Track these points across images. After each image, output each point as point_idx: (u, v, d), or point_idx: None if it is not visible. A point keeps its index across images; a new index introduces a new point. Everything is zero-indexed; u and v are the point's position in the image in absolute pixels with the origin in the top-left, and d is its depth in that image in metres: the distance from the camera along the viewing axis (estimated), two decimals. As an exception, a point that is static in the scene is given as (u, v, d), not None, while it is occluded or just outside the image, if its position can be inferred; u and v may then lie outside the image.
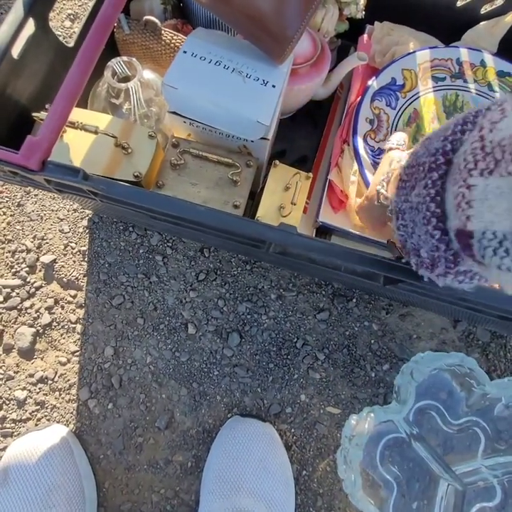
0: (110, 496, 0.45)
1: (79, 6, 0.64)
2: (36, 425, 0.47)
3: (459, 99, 0.47)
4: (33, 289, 0.51)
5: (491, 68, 0.48)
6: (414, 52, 0.47)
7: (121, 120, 0.38)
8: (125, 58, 0.39)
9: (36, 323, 0.50)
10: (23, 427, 0.47)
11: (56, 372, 0.49)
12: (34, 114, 0.35)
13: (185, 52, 0.36)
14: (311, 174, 0.40)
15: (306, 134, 0.54)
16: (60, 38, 0.40)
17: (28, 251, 0.52)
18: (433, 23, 0.50)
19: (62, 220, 0.54)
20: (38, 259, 0.52)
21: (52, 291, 0.51)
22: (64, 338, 0.50)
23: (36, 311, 0.50)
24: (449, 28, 0.49)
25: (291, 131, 0.53)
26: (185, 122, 0.38)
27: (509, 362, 0.50)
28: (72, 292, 0.51)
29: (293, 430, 0.48)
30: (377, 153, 0.44)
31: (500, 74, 0.48)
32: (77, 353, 0.49)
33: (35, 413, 0.47)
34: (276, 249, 0.30)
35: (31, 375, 0.48)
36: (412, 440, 0.44)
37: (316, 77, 0.44)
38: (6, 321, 0.50)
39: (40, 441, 0.42)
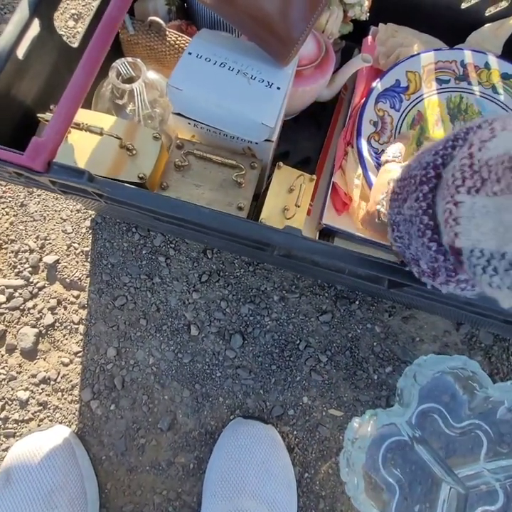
0: (112, 497, 0.45)
1: (82, 5, 0.64)
2: (39, 426, 0.47)
3: (463, 101, 0.47)
4: (35, 290, 0.51)
5: (496, 70, 0.48)
6: (418, 54, 0.47)
7: (125, 121, 0.38)
8: (130, 59, 0.39)
9: (39, 323, 0.50)
10: (26, 427, 0.47)
11: (59, 373, 0.49)
12: (39, 114, 0.35)
13: (190, 53, 0.35)
14: (315, 176, 0.40)
15: (310, 136, 0.54)
16: (64, 38, 0.40)
17: (31, 251, 0.52)
18: (437, 25, 0.50)
19: (65, 220, 0.53)
20: (40, 259, 0.52)
21: (55, 292, 0.51)
22: (66, 339, 0.50)
23: (39, 312, 0.50)
24: (454, 30, 0.49)
25: (294, 133, 0.53)
26: (189, 124, 0.38)
27: (512, 365, 0.50)
28: (75, 293, 0.51)
29: (295, 432, 0.48)
30: (381, 156, 0.44)
31: (505, 76, 0.47)
32: (80, 354, 0.49)
33: (38, 414, 0.47)
34: (280, 251, 0.30)
35: (34, 376, 0.48)
36: (415, 443, 0.44)
37: (320, 79, 0.44)
38: (9, 321, 0.50)
39: (42, 442, 0.42)
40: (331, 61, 0.44)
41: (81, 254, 0.52)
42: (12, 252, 0.52)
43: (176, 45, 0.43)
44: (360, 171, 0.43)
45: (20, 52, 0.34)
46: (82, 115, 0.37)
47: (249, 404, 0.48)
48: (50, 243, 0.53)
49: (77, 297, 0.51)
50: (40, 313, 0.50)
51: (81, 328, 0.50)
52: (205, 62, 0.35)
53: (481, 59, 0.48)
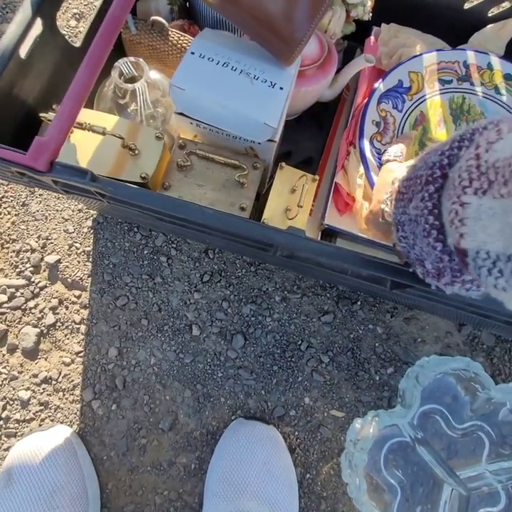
0: (113, 497, 0.45)
1: (84, 5, 0.64)
2: (40, 426, 0.47)
3: (465, 102, 0.47)
4: (37, 289, 0.51)
5: (498, 71, 0.48)
6: (421, 54, 0.47)
7: (127, 121, 0.38)
8: (132, 59, 0.39)
9: (40, 323, 0.50)
10: (27, 427, 0.47)
11: (60, 373, 0.48)
12: (42, 114, 0.35)
13: (192, 53, 0.35)
14: (317, 177, 0.40)
15: (312, 136, 0.54)
16: (66, 38, 0.39)
17: (33, 251, 0.52)
18: (440, 26, 0.50)
19: (66, 220, 0.53)
20: (42, 259, 0.52)
21: (57, 292, 0.51)
22: (68, 339, 0.50)
23: (40, 311, 0.50)
24: (456, 31, 0.49)
25: (296, 133, 0.53)
26: (192, 123, 0.38)
27: (514, 366, 0.50)
28: (77, 292, 0.51)
29: (297, 433, 0.47)
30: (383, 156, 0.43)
31: (507, 77, 0.47)
32: (81, 354, 0.49)
33: (39, 413, 0.47)
34: (283, 252, 0.30)
35: (35, 376, 0.48)
36: (416, 444, 0.43)
37: (323, 79, 0.44)
38: (10, 320, 0.50)
39: (43, 442, 0.42)
40: (334, 61, 0.44)
41: (82, 253, 0.52)
42: (14, 251, 0.52)
43: (179, 45, 0.43)
44: (362, 170, 0.43)
45: (23, 52, 0.34)
46: (85, 115, 0.37)
47: (251, 404, 0.48)
48: (51, 243, 0.53)
49: (78, 297, 0.51)
50: (42, 313, 0.50)
51: (82, 328, 0.50)
52: (207, 62, 0.35)
53: (484, 60, 0.47)
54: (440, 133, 0.45)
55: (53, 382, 0.48)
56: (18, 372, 0.48)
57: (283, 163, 0.39)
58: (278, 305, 0.51)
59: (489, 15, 0.48)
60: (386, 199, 0.30)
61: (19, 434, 0.47)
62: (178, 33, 0.43)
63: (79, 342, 0.50)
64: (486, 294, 0.26)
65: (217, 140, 0.39)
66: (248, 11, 0.32)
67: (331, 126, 0.52)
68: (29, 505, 0.39)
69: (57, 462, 0.41)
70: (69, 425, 0.47)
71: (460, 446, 0.44)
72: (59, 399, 0.48)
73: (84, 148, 0.36)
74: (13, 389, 0.48)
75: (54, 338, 0.50)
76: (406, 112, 0.46)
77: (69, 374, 0.49)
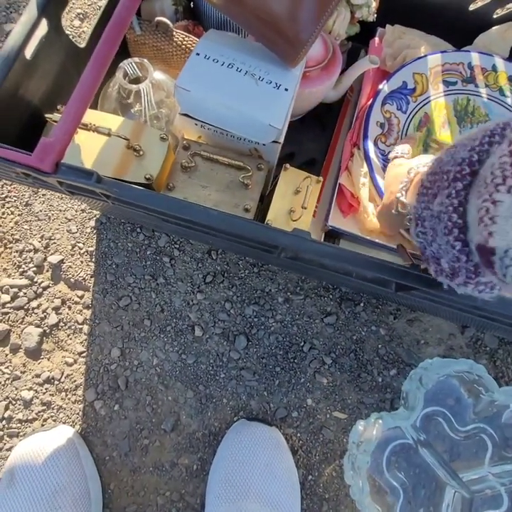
0: (115, 498, 0.45)
1: (88, 5, 0.64)
2: (42, 426, 0.47)
3: (470, 103, 0.47)
4: (40, 289, 0.51)
5: (503, 73, 0.48)
6: (425, 56, 0.47)
7: (132, 122, 0.38)
8: (137, 59, 0.39)
9: (43, 323, 0.50)
10: (29, 427, 0.47)
11: (62, 373, 0.48)
12: (47, 115, 0.35)
13: (198, 54, 0.35)
14: (321, 178, 0.40)
15: (315, 137, 0.54)
16: (70, 38, 0.39)
17: (36, 251, 0.52)
18: (444, 27, 0.50)
19: (70, 220, 0.53)
20: (45, 259, 0.52)
21: (60, 292, 0.51)
22: (71, 339, 0.50)
23: (43, 311, 0.50)
24: (461, 32, 0.49)
25: (299, 134, 0.53)
26: (196, 124, 0.38)
27: (517, 368, 0.50)
28: (80, 293, 0.51)
29: (299, 435, 0.47)
30: (387, 157, 0.43)
31: (512, 79, 0.47)
32: (84, 354, 0.49)
33: (42, 413, 0.47)
34: (288, 254, 0.30)
35: (38, 376, 0.48)
36: (419, 446, 0.43)
37: (327, 81, 0.44)
38: (13, 320, 0.50)
39: (46, 442, 0.42)
40: (338, 63, 0.44)
41: (85, 254, 0.52)
42: (17, 251, 0.52)
43: (183, 46, 0.43)
44: (365, 169, 0.43)
45: (28, 52, 0.34)
46: (89, 115, 0.37)
47: (253, 405, 0.48)
48: (54, 243, 0.53)
49: (81, 297, 0.51)
50: (45, 313, 0.50)
51: (85, 328, 0.50)
52: (212, 63, 0.35)
53: (489, 61, 0.47)
54: (444, 134, 0.45)
55: (56, 382, 0.48)
56: (21, 372, 0.48)
57: (287, 165, 0.39)
58: (281, 306, 0.51)
59: (494, 16, 0.48)
60: (401, 189, 0.29)
61: (22, 434, 0.47)
62: (182, 34, 0.43)
63: (81, 342, 0.50)
64: (499, 297, 0.26)
65: (221, 141, 0.39)
66: (253, 11, 0.32)
67: (334, 127, 0.52)
68: (31, 506, 0.39)
69: (60, 462, 0.41)
70: (71, 425, 0.47)
71: (463, 449, 0.44)
72: (61, 399, 0.48)
73: (88, 148, 0.36)
74: (16, 389, 0.48)
75: (57, 338, 0.50)
76: (410, 114, 0.46)
77: (71, 374, 0.49)
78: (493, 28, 0.49)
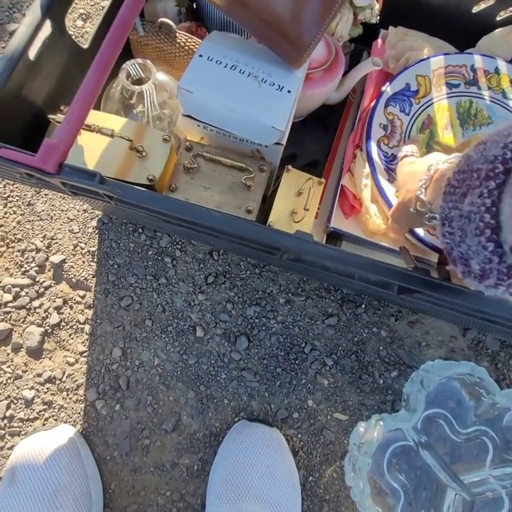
0: (116, 497, 0.45)
1: (91, 5, 0.64)
2: (44, 425, 0.47)
3: (472, 106, 0.47)
4: (42, 289, 0.51)
5: (506, 75, 0.47)
6: (428, 58, 0.47)
7: (134, 123, 0.38)
8: (140, 60, 0.39)
9: (45, 322, 0.50)
10: (31, 426, 0.47)
11: (64, 373, 0.49)
12: (50, 116, 0.35)
13: (201, 55, 0.35)
14: (323, 180, 0.40)
15: (317, 138, 0.54)
16: (73, 38, 0.40)
17: (38, 250, 0.52)
18: (448, 29, 0.50)
19: (72, 220, 0.54)
20: (47, 258, 0.52)
21: (61, 291, 0.51)
22: (72, 339, 0.50)
23: (45, 311, 0.50)
24: (464, 34, 0.49)
25: (301, 135, 0.53)
26: (199, 126, 0.38)
27: (518, 371, 0.50)
28: (81, 292, 0.51)
29: (300, 436, 0.47)
30: (390, 159, 0.43)
31: (515, 81, 0.47)
32: (85, 354, 0.49)
33: (43, 413, 0.47)
34: (290, 256, 0.30)
35: (39, 375, 0.48)
36: (420, 448, 0.43)
37: (330, 82, 0.44)
38: (15, 320, 0.50)
39: (47, 441, 0.43)
40: (341, 64, 0.44)
41: (87, 254, 0.52)
42: (19, 251, 0.52)
43: (186, 47, 0.43)
44: (367, 170, 0.43)
45: (32, 53, 0.34)
46: (92, 116, 0.37)
47: (254, 406, 0.48)
48: (56, 243, 0.53)
49: (83, 297, 0.51)
50: (46, 313, 0.50)
51: (87, 327, 0.50)
52: (215, 64, 0.35)
53: (491, 64, 0.47)
54: (447, 137, 0.45)
55: (57, 381, 0.48)
56: (23, 372, 0.49)
57: (289, 166, 0.39)
58: (282, 307, 0.51)
59: (498, 19, 0.48)
60: (421, 186, 0.28)
61: (23, 433, 0.47)
62: (185, 35, 0.43)
63: (83, 342, 0.50)
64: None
65: (224, 142, 0.39)
66: (256, 13, 0.32)
67: (336, 129, 0.52)
68: (32, 504, 0.39)
69: (61, 462, 0.42)
70: (72, 425, 0.47)
71: (464, 451, 0.44)
72: (63, 398, 0.48)
73: (91, 149, 0.36)
74: (18, 388, 0.48)
75: (58, 338, 0.50)
76: (413, 116, 0.45)
77: (73, 374, 0.49)
78: (496, 30, 0.48)
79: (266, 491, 0.40)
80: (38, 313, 0.50)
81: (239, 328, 0.50)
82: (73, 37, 0.39)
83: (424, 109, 0.46)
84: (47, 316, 0.50)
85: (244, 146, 0.38)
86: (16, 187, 0.55)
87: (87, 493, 0.42)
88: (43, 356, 0.49)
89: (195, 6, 0.49)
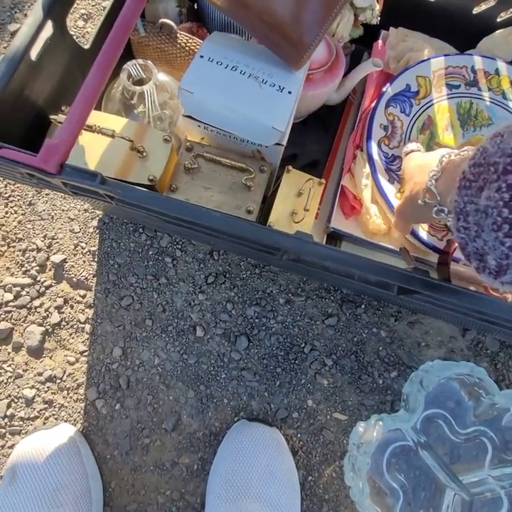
0: (116, 496, 0.45)
1: (92, 5, 0.64)
2: (44, 424, 0.47)
3: (473, 107, 0.47)
4: (42, 288, 0.51)
5: (506, 77, 0.48)
6: (428, 59, 0.47)
7: (135, 123, 0.38)
8: (141, 61, 0.40)
9: (45, 322, 0.50)
10: (31, 425, 0.47)
11: (64, 372, 0.49)
12: (52, 116, 0.35)
13: (201, 56, 0.36)
14: (323, 180, 0.40)
15: (317, 139, 0.54)
16: (74, 39, 0.40)
17: (39, 250, 0.52)
18: (448, 30, 0.50)
19: (72, 219, 0.54)
20: (48, 258, 0.52)
21: (62, 291, 0.51)
22: (73, 338, 0.50)
23: (46, 310, 0.51)
24: (464, 35, 0.49)
25: (302, 136, 0.53)
26: (199, 126, 0.38)
27: (518, 372, 0.50)
28: (82, 292, 0.51)
29: (299, 435, 0.48)
30: (391, 160, 0.44)
31: (515, 82, 0.47)
32: (86, 353, 0.49)
33: (43, 412, 0.48)
34: (290, 256, 0.30)
35: (40, 374, 0.49)
36: (419, 448, 0.43)
37: (330, 83, 0.44)
38: (16, 319, 0.50)
39: (48, 440, 0.43)
40: (341, 65, 0.44)
41: (88, 253, 0.53)
42: (20, 250, 0.52)
43: (187, 48, 0.43)
44: (367, 170, 0.43)
45: (34, 54, 0.34)
46: (93, 117, 0.37)
47: (254, 406, 0.48)
48: (57, 242, 0.53)
49: (83, 296, 0.51)
50: (47, 312, 0.51)
51: (87, 327, 0.50)
52: (216, 65, 0.35)
53: (492, 65, 0.47)
54: (447, 138, 0.45)
55: (58, 380, 0.49)
56: (23, 371, 0.49)
57: (290, 167, 0.39)
58: (282, 307, 0.51)
59: (498, 20, 0.48)
60: (432, 177, 0.28)
61: (23, 431, 0.47)
62: (186, 36, 0.43)
63: (83, 341, 0.50)
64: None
65: (224, 143, 0.39)
66: (257, 14, 0.33)
67: (337, 130, 0.52)
68: (33, 503, 0.39)
69: (61, 460, 0.42)
70: (73, 424, 0.47)
71: (463, 451, 0.44)
72: (63, 397, 0.48)
73: (92, 149, 0.36)
74: (18, 387, 0.48)
75: (59, 337, 0.50)
76: (414, 116, 0.46)
77: (73, 373, 0.49)
78: (497, 31, 0.49)
79: (265, 491, 0.41)
80: (38, 312, 0.50)
81: (239, 328, 0.51)
82: (74, 37, 0.40)
83: (424, 110, 0.46)
84: (47, 315, 0.50)
85: (245, 146, 0.38)
86: (17, 187, 0.55)
87: (87, 492, 0.42)
88: (44, 355, 0.49)
89: (196, 7, 0.49)
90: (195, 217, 0.29)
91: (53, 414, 0.48)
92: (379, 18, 0.46)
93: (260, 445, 0.43)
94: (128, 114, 0.41)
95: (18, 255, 0.52)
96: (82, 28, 0.63)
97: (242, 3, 0.32)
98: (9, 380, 0.48)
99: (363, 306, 0.52)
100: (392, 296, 0.32)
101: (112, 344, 0.50)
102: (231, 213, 0.36)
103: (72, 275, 0.52)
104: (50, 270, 0.52)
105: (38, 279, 0.51)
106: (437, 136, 0.45)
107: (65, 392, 0.48)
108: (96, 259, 0.52)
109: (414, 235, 0.40)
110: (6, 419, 0.47)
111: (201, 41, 0.43)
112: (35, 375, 0.49)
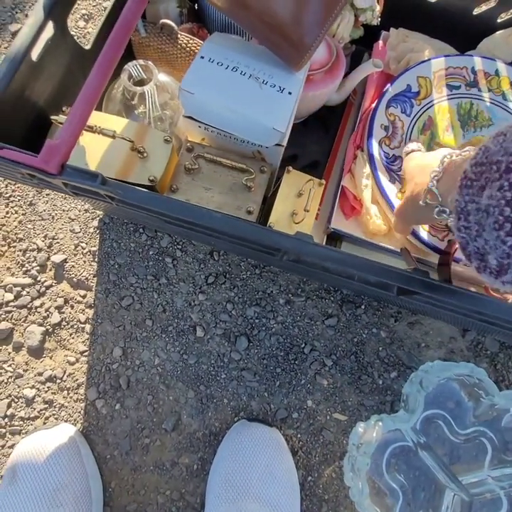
0: (116, 496, 0.45)
1: (93, 6, 0.64)
2: (44, 424, 0.47)
3: (473, 107, 0.47)
4: (43, 288, 0.51)
5: (506, 78, 0.48)
6: (429, 59, 0.47)
7: (136, 123, 0.38)
8: (141, 61, 0.40)
9: (46, 322, 0.50)
10: (31, 425, 0.47)
11: (65, 372, 0.49)
12: (53, 117, 0.35)
13: (202, 57, 0.36)
14: (324, 181, 0.40)
15: (318, 139, 0.54)
16: (75, 39, 0.40)
17: (39, 250, 0.52)
18: (448, 31, 0.50)
19: (73, 220, 0.54)
20: (48, 258, 0.52)
21: (62, 291, 0.51)
22: (73, 338, 0.50)
23: (46, 310, 0.51)
24: (465, 36, 0.49)
25: (302, 136, 0.53)
26: (200, 127, 0.38)
27: (517, 372, 0.50)
28: (82, 292, 0.51)
29: (299, 436, 0.48)
30: (391, 160, 0.44)
31: (516, 83, 0.47)
32: (86, 353, 0.49)
33: (44, 411, 0.48)
34: (290, 257, 0.30)
35: (40, 374, 0.49)
36: (419, 449, 0.44)
37: (331, 84, 0.44)
38: (16, 319, 0.50)
39: (48, 440, 0.43)
40: (342, 66, 0.44)
41: (88, 253, 0.53)
42: (20, 250, 0.52)
43: (187, 48, 0.43)
44: (368, 170, 0.43)
45: (35, 54, 0.34)
46: (94, 117, 0.37)
47: (254, 406, 0.48)
48: (58, 242, 0.53)
49: (84, 297, 0.51)
50: (48, 312, 0.51)
51: (87, 327, 0.50)
52: (217, 66, 0.35)
53: (492, 66, 0.47)
54: (448, 138, 0.45)
55: (58, 380, 0.49)
56: (23, 371, 0.49)
57: (290, 167, 0.40)
58: (282, 308, 0.51)
59: (498, 21, 0.48)
60: (433, 178, 0.28)
61: (24, 431, 0.47)
62: (187, 36, 0.43)
63: (84, 341, 0.50)
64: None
65: (224, 143, 0.39)
66: (257, 15, 0.33)
67: (337, 130, 0.52)
68: (33, 503, 0.39)
69: (61, 460, 0.42)
70: (73, 424, 0.47)
71: (462, 452, 0.44)
72: (63, 397, 0.48)
73: (92, 150, 0.36)
74: (18, 387, 0.48)
75: (59, 337, 0.50)
76: (414, 117, 0.46)
77: (73, 373, 0.49)
78: (497, 32, 0.49)
79: (265, 491, 0.41)
80: (39, 312, 0.51)
81: (239, 328, 0.51)
82: (75, 38, 0.40)
83: (425, 111, 0.46)
84: (48, 315, 0.50)
85: (245, 147, 0.38)
86: (18, 187, 0.55)
87: (87, 492, 0.42)
88: (44, 355, 0.49)
89: (196, 8, 0.49)
90: (196, 218, 0.29)
91: (53, 414, 0.48)
92: (379, 19, 0.46)
93: (260, 445, 0.43)
94: (129, 115, 0.41)
95: (18, 255, 0.52)
96: (83, 28, 0.63)
97: (243, 4, 0.32)
98: (9, 380, 0.48)
99: (362, 307, 0.52)
100: (392, 297, 0.32)
101: (112, 344, 0.50)
102: (231, 214, 0.36)
103: (73, 275, 0.52)
104: (50, 270, 0.52)
105: (38, 279, 0.52)
106: (438, 136, 0.45)
107: (65, 392, 0.48)
108: (96, 260, 0.52)
109: (415, 235, 0.41)
110: (6, 419, 0.47)
111: (202, 42, 0.43)
112: (35, 375, 0.49)
